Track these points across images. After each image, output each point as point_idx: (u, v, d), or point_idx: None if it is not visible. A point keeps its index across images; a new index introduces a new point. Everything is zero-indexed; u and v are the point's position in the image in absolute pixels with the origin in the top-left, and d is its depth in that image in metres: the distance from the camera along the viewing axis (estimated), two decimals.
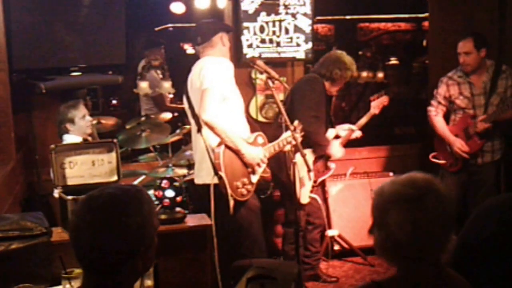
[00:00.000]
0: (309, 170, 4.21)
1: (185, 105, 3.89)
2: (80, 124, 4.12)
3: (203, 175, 3.74)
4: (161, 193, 3.13)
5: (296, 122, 3.93)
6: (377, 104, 4.73)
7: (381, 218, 1.76)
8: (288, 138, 3.83)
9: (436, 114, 4.71)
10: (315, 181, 4.48)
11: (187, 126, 4.71)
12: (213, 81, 3.62)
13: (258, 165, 3.75)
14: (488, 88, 4.52)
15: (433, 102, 4.74)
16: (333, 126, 4.63)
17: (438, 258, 1.76)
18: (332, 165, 4.61)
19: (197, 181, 3.83)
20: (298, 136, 3.87)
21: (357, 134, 4.68)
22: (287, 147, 3.84)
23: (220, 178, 3.57)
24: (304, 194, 4.36)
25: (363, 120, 4.67)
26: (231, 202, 3.62)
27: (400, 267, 1.80)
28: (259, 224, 3.88)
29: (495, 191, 4.70)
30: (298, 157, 4.09)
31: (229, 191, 3.59)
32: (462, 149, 4.54)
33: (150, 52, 6.24)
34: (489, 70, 4.57)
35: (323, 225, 4.69)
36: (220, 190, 3.61)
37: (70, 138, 4.05)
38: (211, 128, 3.59)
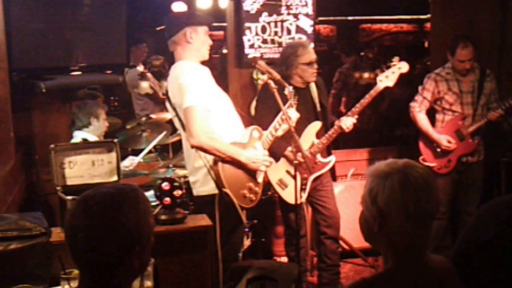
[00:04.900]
0: (310, 173, 4.18)
1: (172, 113, 3.65)
2: (101, 124, 4.15)
3: (197, 186, 3.59)
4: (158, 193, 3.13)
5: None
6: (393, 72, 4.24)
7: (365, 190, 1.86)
8: (279, 121, 3.71)
9: (419, 111, 4.75)
10: (305, 178, 4.16)
11: None
12: (194, 97, 3.36)
13: (264, 162, 3.60)
14: (476, 87, 4.64)
15: (417, 97, 4.78)
16: (318, 118, 4.31)
17: (418, 248, 1.78)
18: (328, 159, 4.37)
19: (194, 192, 3.64)
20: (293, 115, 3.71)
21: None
22: (283, 127, 3.73)
23: (226, 194, 3.42)
24: (288, 195, 4.18)
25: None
26: (244, 212, 3.52)
27: (379, 249, 1.86)
28: (240, 231, 3.72)
29: (482, 190, 4.81)
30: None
31: (237, 204, 3.47)
32: (452, 144, 4.61)
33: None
34: (476, 71, 4.68)
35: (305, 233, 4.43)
36: (224, 200, 3.47)
37: (82, 136, 4.04)
38: (202, 150, 3.41)
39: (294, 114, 3.80)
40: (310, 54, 4.19)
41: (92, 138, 4.07)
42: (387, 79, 4.27)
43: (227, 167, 3.46)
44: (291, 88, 3.73)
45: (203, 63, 3.64)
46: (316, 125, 4.30)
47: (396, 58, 4.44)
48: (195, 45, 3.57)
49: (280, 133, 3.80)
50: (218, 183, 3.43)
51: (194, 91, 3.39)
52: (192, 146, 3.40)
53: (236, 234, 3.62)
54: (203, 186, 3.53)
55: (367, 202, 1.79)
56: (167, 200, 3.12)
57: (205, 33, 3.62)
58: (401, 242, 1.77)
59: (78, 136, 4.06)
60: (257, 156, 3.58)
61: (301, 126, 4.16)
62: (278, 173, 4.23)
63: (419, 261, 1.79)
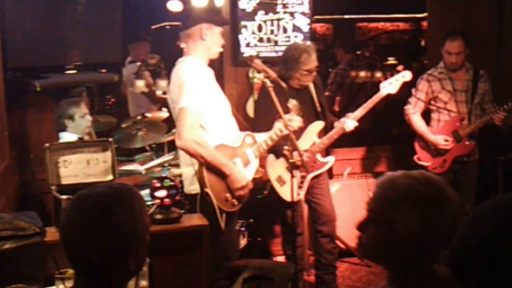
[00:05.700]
0: (307, 171, 4.18)
1: (171, 105, 3.63)
2: (79, 122, 4.10)
3: (187, 185, 3.59)
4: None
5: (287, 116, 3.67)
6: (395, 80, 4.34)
7: (388, 213, 1.68)
8: (279, 129, 3.67)
9: (414, 112, 4.75)
10: (303, 177, 4.21)
11: None
12: (190, 99, 3.34)
13: (241, 189, 3.51)
14: (470, 86, 4.63)
15: (411, 100, 4.79)
16: (318, 118, 4.33)
17: (433, 262, 1.73)
18: (327, 159, 4.38)
19: (185, 190, 3.63)
20: (294, 124, 3.65)
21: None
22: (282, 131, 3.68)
23: (207, 194, 3.40)
24: (286, 192, 4.14)
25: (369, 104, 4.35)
26: (223, 216, 3.47)
27: (391, 268, 1.76)
28: (231, 231, 3.67)
29: (479, 189, 4.81)
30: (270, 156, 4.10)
31: (217, 206, 3.44)
32: (449, 142, 4.60)
33: (134, 46, 6.21)
34: (469, 71, 4.67)
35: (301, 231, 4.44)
36: (206, 200, 3.46)
37: (67, 136, 4.02)
38: (187, 153, 3.39)
39: (296, 118, 3.73)
40: (313, 62, 4.17)
41: (74, 137, 4.01)
42: (390, 86, 4.33)
43: (212, 168, 3.44)
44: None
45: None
46: (318, 125, 4.32)
47: (400, 67, 4.48)
48: (208, 43, 3.55)
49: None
50: (201, 182, 3.43)
51: (192, 92, 3.36)
52: (177, 147, 3.43)
53: (224, 234, 3.55)
54: (191, 185, 3.54)
55: (417, 230, 1.63)
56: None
57: (220, 33, 3.60)
58: (426, 260, 1.71)
59: (63, 137, 4.03)
60: (242, 178, 3.50)
61: (301, 125, 4.15)
62: (278, 169, 4.23)
63: (429, 275, 1.74)
